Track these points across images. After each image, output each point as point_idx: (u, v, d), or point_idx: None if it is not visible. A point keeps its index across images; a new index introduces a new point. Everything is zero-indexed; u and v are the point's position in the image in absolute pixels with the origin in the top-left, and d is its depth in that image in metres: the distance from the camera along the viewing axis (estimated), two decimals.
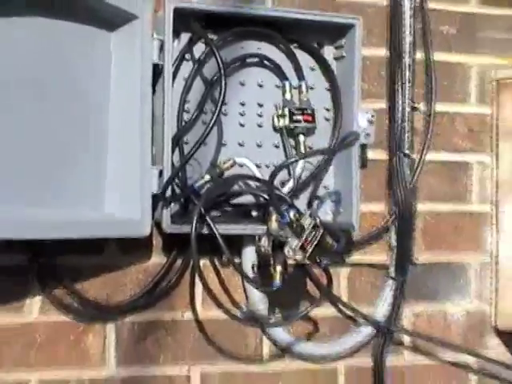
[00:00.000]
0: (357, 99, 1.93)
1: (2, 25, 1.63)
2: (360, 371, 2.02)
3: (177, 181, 1.79)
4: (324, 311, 1.98)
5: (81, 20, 1.73)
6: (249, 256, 1.87)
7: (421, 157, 2.02)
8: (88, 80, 1.76)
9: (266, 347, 1.96)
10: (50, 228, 1.67)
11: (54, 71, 1.72)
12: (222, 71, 1.79)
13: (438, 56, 2.06)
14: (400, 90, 2.03)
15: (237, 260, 1.86)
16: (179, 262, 1.86)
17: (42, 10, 1.68)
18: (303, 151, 1.90)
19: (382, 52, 2.04)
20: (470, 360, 2.11)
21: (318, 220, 1.78)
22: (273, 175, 1.83)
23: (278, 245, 1.80)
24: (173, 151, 1.78)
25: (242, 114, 1.88)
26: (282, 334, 1.94)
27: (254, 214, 1.86)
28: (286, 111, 1.88)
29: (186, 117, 1.82)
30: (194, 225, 1.74)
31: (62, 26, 1.72)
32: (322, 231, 1.78)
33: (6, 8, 1.63)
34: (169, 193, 1.77)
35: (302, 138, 1.90)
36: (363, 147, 1.97)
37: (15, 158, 1.67)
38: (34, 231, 1.66)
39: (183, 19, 1.78)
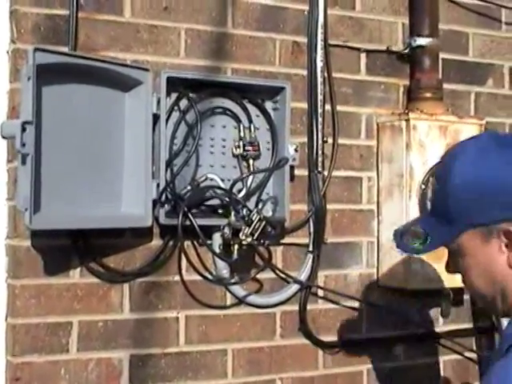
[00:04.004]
0: (287, 136, 1.99)
1: (67, 90, 1.74)
2: (290, 314, 2.07)
3: (169, 190, 1.84)
4: (266, 275, 2.03)
5: (108, 85, 1.81)
6: (216, 239, 1.92)
7: (329, 173, 2.11)
8: (112, 123, 1.82)
9: (229, 298, 1.99)
10: (87, 220, 1.76)
11: (95, 118, 1.80)
12: (198, 118, 1.89)
13: (340, 108, 2.14)
14: (315, 130, 2.08)
15: (208, 241, 1.91)
16: (171, 243, 1.91)
17: (89, 80, 1.78)
18: (252, 170, 1.97)
19: (304, 105, 2.09)
20: (361, 306, 2.15)
21: (261, 215, 1.87)
22: (232, 186, 1.91)
23: (236, 232, 1.87)
24: (166, 170, 1.85)
25: (212, 146, 1.95)
26: (239, 289, 1.99)
27: (220, 211, 1.92)
28: (241, 144, 1.96)
29: (174, 148, 1.89)
30: (180, 219, 1.82)
31: (99, 90, 1.80)
32: (264, 222, 1.86)
33: (69, 80, 1.74)
34: (163, 198, 1.84)
35: (251, 161, 1.98)
36: (291, 167, 2.02)
37: (70, 175, 1.74)
38: (76, 223, 1.75)
39: (173, 83, 1.85)
